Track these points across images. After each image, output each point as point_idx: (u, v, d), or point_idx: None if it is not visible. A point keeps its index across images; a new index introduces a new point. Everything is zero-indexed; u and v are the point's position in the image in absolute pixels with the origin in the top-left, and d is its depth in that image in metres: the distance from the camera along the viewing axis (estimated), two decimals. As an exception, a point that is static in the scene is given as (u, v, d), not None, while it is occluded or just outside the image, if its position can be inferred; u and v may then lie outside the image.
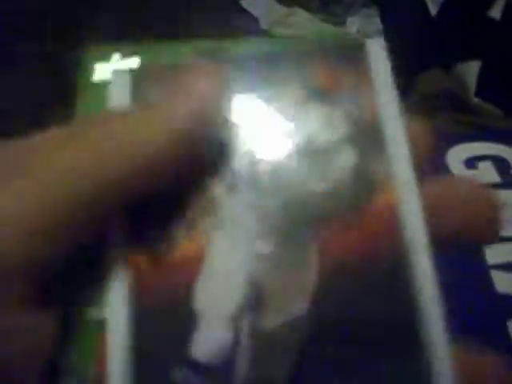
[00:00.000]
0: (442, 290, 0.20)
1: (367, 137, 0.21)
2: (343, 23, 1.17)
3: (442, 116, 0.73)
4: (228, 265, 0.19)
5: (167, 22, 1.24)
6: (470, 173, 0.29)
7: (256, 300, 0.18)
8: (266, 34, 1.18)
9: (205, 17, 1.23)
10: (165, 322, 0.18)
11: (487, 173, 0.29)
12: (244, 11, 1.22)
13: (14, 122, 1.06)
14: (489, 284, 0.25)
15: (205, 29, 1.21)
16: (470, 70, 0.80)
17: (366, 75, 0.22)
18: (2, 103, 1.08)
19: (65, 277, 0.18)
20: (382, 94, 0.22)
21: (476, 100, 0.78)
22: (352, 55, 0.22)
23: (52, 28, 1.20)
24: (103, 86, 0.22)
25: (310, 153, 0.20)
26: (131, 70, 0.22)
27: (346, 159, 0.20)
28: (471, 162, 0.29)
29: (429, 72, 0.80)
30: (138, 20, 1.27)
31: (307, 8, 1.17)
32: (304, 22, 1.16)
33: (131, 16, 1.28)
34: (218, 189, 0.20)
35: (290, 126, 0.21)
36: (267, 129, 0.21)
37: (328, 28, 1.14)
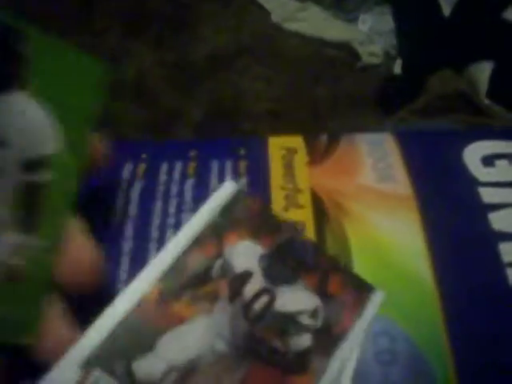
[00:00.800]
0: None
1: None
2: (355, 20, 1.16)
3: (453, 117, 0.73)
4: None
5: (176, 12, 1.24)
6: (487, 171, 0.29)
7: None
8: (277, 27, 1.18)
9: (216, 9, 1.23)
10: None
11: (504, 171, 0.29)
12: (257, 4, 1.22)
13: None
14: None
15: (215, 22, 1.21)
16: (482, 72, 0.80)
17: None
18: None
19: None
20: None
21: (487, 102, 0.78)
22: None
23: None
24: None
25: None
26: None
27: None
28: (489, 160, 0.29)
29: (440, 73, 0.80)
30: (142, 8, 1.27)
31: (320, 3, 1.17)
32: (316, 18, 1.15)
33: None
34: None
35: None
36: None
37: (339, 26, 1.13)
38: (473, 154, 0.29)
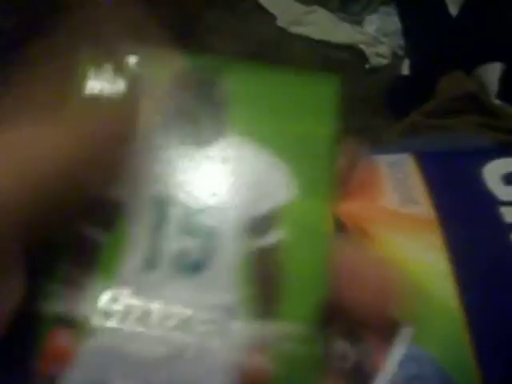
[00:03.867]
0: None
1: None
2: (361, 21, 1.17)
3: (464, 119, 0.72)
4: None
5: (180, 20, 1.24)
6: (508, 189, 0.29)
7: None
8: (284, 31, 1.18)
9: (221, 14, 1.23)
10: None
11: (526, 190, 0.29)
12: (262, 9, 1.22)
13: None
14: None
15: (221, 30, 1.21)
16: (492, 72, 0.80)
17: None
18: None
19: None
20: None
21: (498, 102, 0.78)
22: None
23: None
24: None
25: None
26: None
27: None
28: (510, 178, 0.29)
29: (450, 74, 0.80)
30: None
31: (325, 6, 1.17)
32: (322, 21, 1.15)
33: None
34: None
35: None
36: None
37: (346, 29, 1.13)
38: (493, 173, 0.30)
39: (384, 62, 1.10)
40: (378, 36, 1.12)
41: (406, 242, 0.27)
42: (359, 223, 0.28)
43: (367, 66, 1.09)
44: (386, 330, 0.24)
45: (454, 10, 0.97)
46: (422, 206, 0.28)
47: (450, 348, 0.24)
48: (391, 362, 0.24)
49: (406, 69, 1.06)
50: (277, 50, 1.15)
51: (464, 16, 0.93)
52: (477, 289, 0.25)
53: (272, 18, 1.20)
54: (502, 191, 0.29)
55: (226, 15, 1.24)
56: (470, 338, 0.24)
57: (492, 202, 0.28)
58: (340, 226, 0.28)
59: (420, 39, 1.02)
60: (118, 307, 0.17)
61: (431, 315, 0.25)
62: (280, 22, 1.18)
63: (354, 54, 1.11)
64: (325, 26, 1.15)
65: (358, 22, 1.15)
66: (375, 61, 1.10)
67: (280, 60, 1.13)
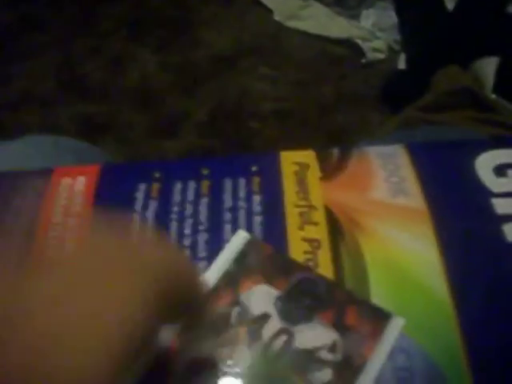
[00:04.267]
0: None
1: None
2: (358, 16, 1.16)
3: (459, 114, 0.72)
4: None
5: (179, 14, 1.24)
6: (500, 181, 0.29)
7: None
8: (280, 26, 1.17)
9: (218, 8, 1.23)
10: None
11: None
12: (258, 3, 1.21)
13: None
14: None
15: (217, 23, 1.20)
16: (488, 67, 0.80)
17: None
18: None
19: None
20: None
21: (494, 97, 0.78)
22: None
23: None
24: None
25: None
26: None
27: None
28: (501, 170, 0.29)
29: (446, 69, 0.80)
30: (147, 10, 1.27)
31: (322, 1, 1.17)
32: (318, 15, 1.15)
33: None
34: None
35: None
36: None
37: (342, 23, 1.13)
38: (485, 165, 0.29)
39: (380, 56, 1.10)
40: (375, 30, 1.12)
41: (397, 232, 0.27)
42: (350, 214, 0.28)
43: (363, 61, 1.09)
44: (376, 320, 0.24)
45: (450, 4, 0.97)
46: (414, 197, 0.28)
47: (438, 336, 0.24)
48: (380, 352, 0.24)
49: (402, 63, 1.06)
50: (273, 45, 1.15)
51: (460, 10, 0.93)
52: (467, 279, 0.25)
53: (268, 12, 1.20)
54: (493, 183, 0.29)
55: (223, 9, 1.23)
56: (459, 327, 0.24)
57: (484, 194, 0.28)
58: (330, 217, 0.28)
59: (416, 34, 1.02)
60: None
61: (421, 305, 0.25)
62: (276, 17, 1.18)
63: (350, 48, 1.11)
64: (321, 21, 1.15)
65: (355, 17, 1.14)
66: (371, 55, 1.09)
67: (276, 54, 1.13)
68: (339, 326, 0.24)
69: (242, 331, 0.24)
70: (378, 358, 0.23)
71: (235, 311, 0.24)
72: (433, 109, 0.74)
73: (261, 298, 0.25)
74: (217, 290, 0.25)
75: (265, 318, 0.24)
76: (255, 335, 0.24)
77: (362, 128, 0.97)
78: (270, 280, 0.25)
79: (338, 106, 1.02)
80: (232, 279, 0.25)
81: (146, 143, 1.00)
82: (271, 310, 0.25)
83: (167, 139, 1.00)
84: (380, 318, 0.24)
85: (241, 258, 0.26)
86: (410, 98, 0.79)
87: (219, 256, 0.26)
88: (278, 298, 0.25)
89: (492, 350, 0.24)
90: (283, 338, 0.24)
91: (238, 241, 0.27)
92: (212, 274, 0.26)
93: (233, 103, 1.06)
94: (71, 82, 1.13)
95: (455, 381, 0.23)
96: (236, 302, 0.25)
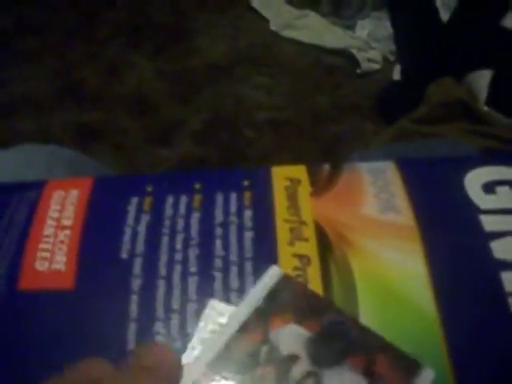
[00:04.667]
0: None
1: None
2: (353, 26, 1.17)
3: (453, 126, 0.73)
4: None
5: (175, 22, 1.24)
6: (488, 198, 0.29)
7: None
8: (276, 35, 1.18)
9: (215, 18, 1.23)
10: None
11: (506, 198, 0.29)
12: (254, 12, 1.22)
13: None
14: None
15: (213, 32, 1.21)
16: (482, 80, 0.80)
17: None
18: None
19: None
20: None
21: (487, 109, 0.78)
22: None
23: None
24: None
25: None
26: None
27: None
28: (490, 187, 0.30)
29: (440, 81, 0.80)
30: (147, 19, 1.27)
31: (318, 10, 1.17)
32: (314, 25, 1.16)
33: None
34: None
35: None
36: None
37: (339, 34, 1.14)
38: (474, 182, 0.30)
39: (375, 66, 1.11)
40: (370, 41, 1.13)
41: (386, 249, 0.27)
42: (340, 230, 0.28)
43: (358, 71, 1.10)
44: (406, 370, 0.24)
45: (445, 16, 0.98)
46: (403, 213, 0.28)
47: (424, 352, 0.24)
48: None
49: (397, 74, 1.06)
50: (268, 54, 1.15)
51: (455, 23, 0.93)
52: (454, 296, 0.26)
53: (264, 21, 1.20)
54: (482, 200, 0.29)
55: (220, 18, 1.24)
56: (446, 343, 0.24)
57: (472, 211, 0.28)
58: (320, 233, 0.28)
59: (411, 45, 1.02)
60: None
61: (409, 322, 0.25)
62: (272, 26, 1.19)
63: (345, 58, 1.12)
64: (317, 30, 1.16)
65: (350, 27, 1.15)
66: (366, 66, 1.10)
67: (271, 64, 1.13)
68: (369, 373, 0.24)
69: (270, 371, 0.24)
70: None
71: (264, 350, 0.24)
72: (426, 121, 0.75)
73: (291, 338, 0.25)
74: (247, 326, 0.25)
75: (294, 359, 0.24)
76: (283, 376, 0.23)
77: (356, 138, 0.97)
78: (300, 320, 0.25)
79: (333, 116, 1.03)
80: (262, 316, 0.25)
81: (140, 150, 1.01)
82: (300, 351, 0.24)
83: (162, 147, 1.01)
84: (410, 367, 0.24)
85: (273, 295, 0.26)
86: (405, 109, 0.79)
87: (251, 291, 0.26)
88: (309, 340, 0.25)
89: (478, 365, 0.24)
90: (311, 381, 0.23)
91: (270, 276, 0.26)
92: (242, 310, 0.25)
93: (228, 112, 1.06)
94: (67, 88, 1.13)
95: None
96: (265, 341, 0.24)
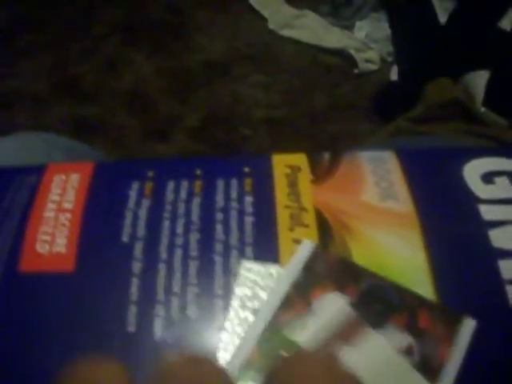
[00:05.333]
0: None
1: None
2: (352, 27, 1.17)
3: (449, 126, 0.73)
4: None
5: (173, 20, 1.24)
6: (487, 188, 0.29)
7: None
8: (274, 34, 1.18)
9: (213, 16, 1.23)
10: None
11: (504, 188, 0.29)
12: (253, 11, 1.22)
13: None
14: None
15: (212, 30, 1.21)
16: (478, 80, 0.81)
17: None
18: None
19: None
20: None
21: (483, 110, 0.79)
22: None
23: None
24: None
25: None
26: None
27: None
28: (488, 177, 0.30)
29: (437, 81, 0.81)
30: (144, 15, 1.27)
31: (317, 10, 1.18)
32: (313, 25, 1.16)
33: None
34: None
35: None
36: None
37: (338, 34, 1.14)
38: (473, 172, 0.30)
39: (373, 67, 1.11)
40: (368, 42, 1.13)
41: (385, 236, 0.27)
42: (340, 217, 0.28)
43: (356, 71, 1.10)
44: (448, 322, 0.24)
45: (443, 18, 0.98)
46: (402, 201, 0.29)
47: None
48: (457, 354, 0.24)
49: (394, 75, 1.07)
50: (266, 53, 1.15)
51: (453, 24, 0.94)
52: (453, 284, 0.26)
53: (263, 20, 1.21)
54: (481, 189, 0.29)
55: (218, 16, 1.24)
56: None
57: (471, 200, 0.29)
58: (320, 219, 0.28)
59: (409, 46, 1.03)
60: None
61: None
62: (271, 25, 1.19)
63: (342, 58, 1.12)
64: (315, 30, 1.16)
65: (349, 27, 1.16)
66: (364, 66, 1.10)
67: (269, 62, 1.14)
68: (413, 329, 0.24)
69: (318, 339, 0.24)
70: (455, 360, 0.24)
71: (309, 320, 0.25)
72: (423, 120, 0.75)
73: (333, 305, 0.25)
74: (288, 301, 0.25)
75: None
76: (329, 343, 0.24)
77: (352, 137, 0.98)
78: (340, 287, 0.25)
79: (329, 115, 1.03)
80: (302, 289, 0.25)
81: (137, 146, 1.01)
82: (343, 317, 0.25)
83: (159, 143, 1.01)
84: (452, 319, 0.25)
85: (309, 268, 0.26)
86: (402, 110, 0.80)
87: (287, 266, 0.26)
88: (350, 305, 0.25)
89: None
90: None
91: (304, 249, 0.27)
92: (282, 286, 0.26)
93: (225, 109, 1.06)
94: (64, 84, 1.13)
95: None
96: (309, 311, 0.25)
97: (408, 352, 0.24)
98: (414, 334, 0.24)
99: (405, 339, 0.24)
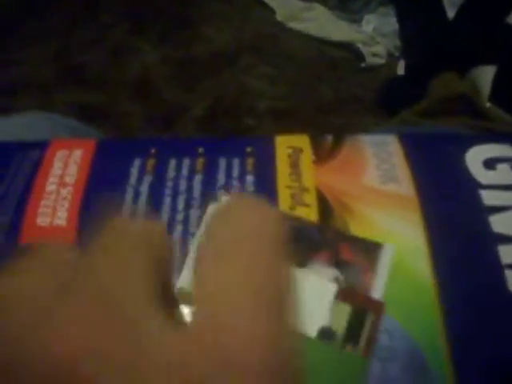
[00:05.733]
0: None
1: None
2: (359, 20, 1.17)
3: (454, 120, 0.73)
4: None
5: (181, 10, 1.24)
6: (488, 174, 0.30)
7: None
8: (282, 26, 1.18)
9: (221, 7, 1.23)
10: None
11: (505, 174, 0.30)
12: (261, 3, 1.22)
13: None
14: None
15: (219, 20, 1.21)
16: (485, 75, 0.81)
17: None
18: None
19: None
20: None
21: (489, 105, 0.78)
22: None
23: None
24: None
25: None
26: None
27: None
28: (490, 163, 0.30)
29: (443, 75, 0.81)
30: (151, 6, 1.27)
31: (325, 3, 1.17)
32: (321, 18, 1.16)
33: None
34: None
35: None
36: None
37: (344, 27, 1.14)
38: (475, 157, 0.30)
39: (380, 61, 1.11)
40: (375, 36, 1.13)
41: (386, 218, 0.27)
42: (341, 198, 0.28)
43: (363, 65, 1.10)
44: (369, 251, 0.26)
45: (451, 13, 0.98)
46: (404, 184, 0.29)
47: (421, 323, 0.24)
48: (380, 280, 0.25)
49: (401, 69, 1.07)
50: (273, 44, 1.15)
51: (460, 19, 0.93)
52: (452, 265, 0.26)
53: (271, 12, 1.20)
54: (482, 175, 0.29)
55: (226, 6, 1.24)
56: (441, 311, 0.25)
57: (472, 185, 0.29)
58: (321, 199, 0.28)
59: (416, 40, 1.03)
60: None
61: (405, 288, 0.25)
62: (279, 17, 1.19)
63: (349, 51, 1.12)
64: (323, 23, 1.16)
65: (356, 21, 1.15)
66: (371, 60, 1.10)
67: (276, 54, 1.13)
68: (336, 262, 0.25)
69: None
70: (379, 284, 0.25)
71: None
72: (428, 114, 0.75)
73: None
74: None
75: None
76: None
77: (357, 130, 0.97)
78: None
79: (335, 108, 1.03)
80: None
81: (142, 135, 1.01)
82: None
83: (164, 132, 1.01)
84: (372, 247, 0.26)
85: None
86: (407, 104, 0.79)
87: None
88: None
89: (472, 337, 0.24)
90: None
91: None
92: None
93: (230, 100, 1.06)
94: (70, 71, 1.13)
95: (434, 363, 0.24)
96: None
97: (335, 282, 0.25)
98: (339, 267, 0.25)
99: (331, 272, 0.25)
